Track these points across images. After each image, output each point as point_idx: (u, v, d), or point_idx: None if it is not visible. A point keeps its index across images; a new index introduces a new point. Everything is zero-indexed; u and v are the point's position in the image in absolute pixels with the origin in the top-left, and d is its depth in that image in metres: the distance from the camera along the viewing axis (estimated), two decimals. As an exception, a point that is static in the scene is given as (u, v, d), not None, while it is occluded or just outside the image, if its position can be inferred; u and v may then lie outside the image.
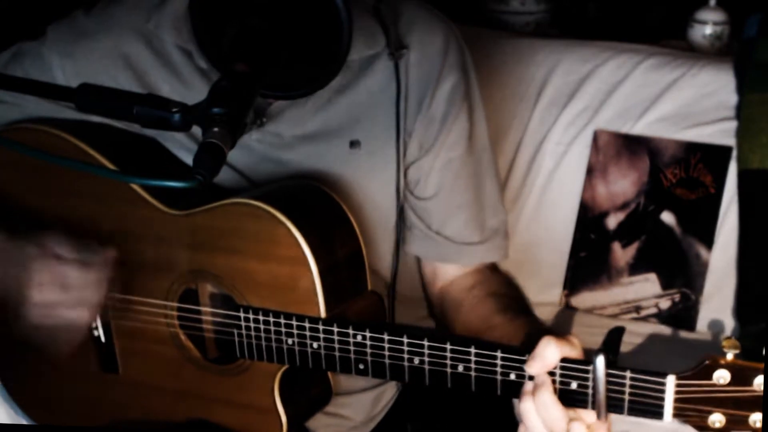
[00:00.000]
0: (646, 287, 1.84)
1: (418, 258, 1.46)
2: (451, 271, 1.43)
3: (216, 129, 0.96)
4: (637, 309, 1.85)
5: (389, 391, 1.49)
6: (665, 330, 1.81)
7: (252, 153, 1.34)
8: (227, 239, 1.24)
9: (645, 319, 1.84)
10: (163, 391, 1.34)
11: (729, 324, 1.77)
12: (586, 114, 1.94)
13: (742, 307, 1.75)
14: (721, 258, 1.79)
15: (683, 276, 1.81)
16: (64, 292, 1.21)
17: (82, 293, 1.22)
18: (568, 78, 1.96)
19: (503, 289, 1.39)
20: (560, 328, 1.82)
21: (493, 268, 1.45)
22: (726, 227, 1.80)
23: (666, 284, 1.83)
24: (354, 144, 1.34)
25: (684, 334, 1.80)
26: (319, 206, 1.26)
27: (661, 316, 1.83)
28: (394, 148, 1.34)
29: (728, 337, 1.03)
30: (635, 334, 1.81)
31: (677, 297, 1.82)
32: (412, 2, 1.38)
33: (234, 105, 0.99)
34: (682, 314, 1.81)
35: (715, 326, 1.79)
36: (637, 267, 1.85)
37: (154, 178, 0.96)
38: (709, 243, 1.80)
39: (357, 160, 1.34)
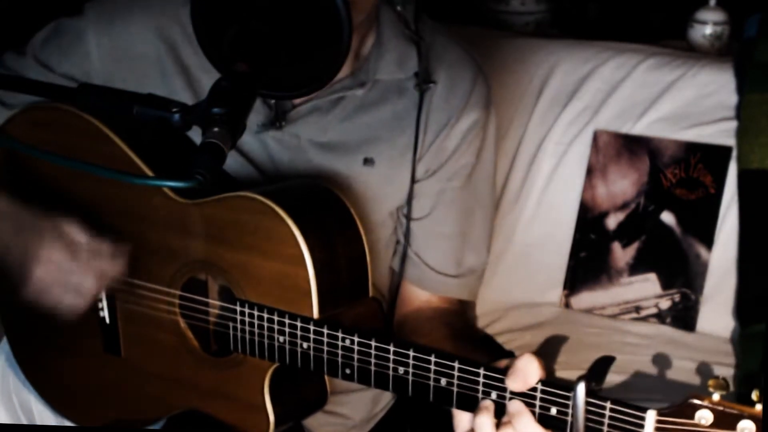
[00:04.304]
0: (646, 287, 1.84)
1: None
2: (421, 296, 1.44)
3: (216, 129, 0.96)
4: (637, 309, 1.84)
5: (389, 391, 1.49)
6: (665, 330, 1.81)
7: (266, 148, 1.35)
8: (232, 232, 1.25)
9: (645, 319, 1.84)
10: (160, 377, 1.35)
11: (729, 324, 1.77)
12: (586, 114, 1.94)
13: (742, 307, 1.75)
14: (721, 258, 1.79)
15: (683, 276, 1.81)
16: (63, 275, 1.22)
17: (81, 280, 1.23)
18: (568, 78, 1.96)
19: (459, 322, 1.41)
20: (560, 328, 1.83)
21: (457, 302, 1.46)
22: (726, 227, 1.79)
23: (666, 284, 1.83)
24: (368, 161, 1.36)
25: (684, 334, 1.80)
26: (326, 208, 1.27)
27: (661, 317, 1.82)
28: (407, 171, 1.37)
29: (716, 377, 1.00)
30: (635, 334, 1.81)
31: (677, 297, 1.81)
32: (444, 37, 1.40)
33: (234, 105, 0.99)
34: (682, 314, 1.81)
35: (715, 326, 1.78)
36: (637, 267, 1.85)
37: (155, 178, 0.96)
38: (709, 243, 1.80)
39: (368, 177, 1.36)
